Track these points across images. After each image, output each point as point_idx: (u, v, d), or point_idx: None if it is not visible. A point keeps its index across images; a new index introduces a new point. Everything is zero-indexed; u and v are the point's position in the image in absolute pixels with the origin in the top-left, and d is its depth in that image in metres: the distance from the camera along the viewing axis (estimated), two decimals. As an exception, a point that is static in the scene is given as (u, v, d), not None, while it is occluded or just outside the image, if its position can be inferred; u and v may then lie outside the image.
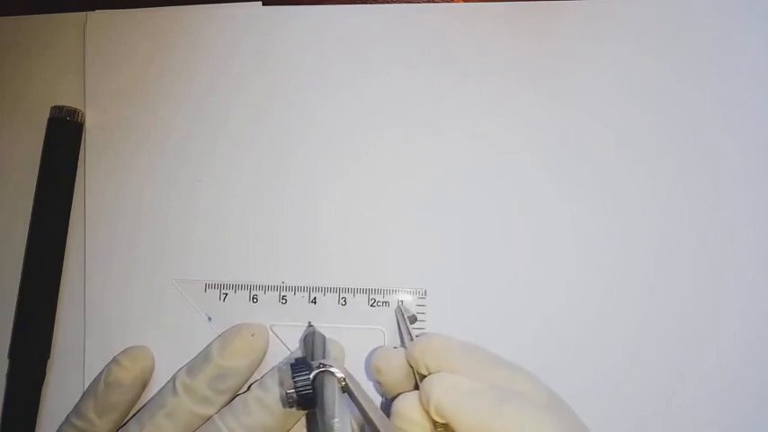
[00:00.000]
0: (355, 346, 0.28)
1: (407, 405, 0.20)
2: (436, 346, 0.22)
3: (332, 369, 0.20)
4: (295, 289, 0.29)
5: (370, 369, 0.25)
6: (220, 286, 0.29)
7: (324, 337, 0.26)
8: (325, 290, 0.29)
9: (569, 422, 0.19)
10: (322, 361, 0.20)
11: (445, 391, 0.19)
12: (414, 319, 0.28)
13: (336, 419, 0.18)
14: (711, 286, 0.28)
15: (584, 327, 0.28)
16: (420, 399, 0.20)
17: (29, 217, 0.30)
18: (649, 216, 0.29)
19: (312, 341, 0.26)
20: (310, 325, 0.28)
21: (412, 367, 0.23)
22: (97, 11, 0.33)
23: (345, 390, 0.20)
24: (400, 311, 0.28)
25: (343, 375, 0.20)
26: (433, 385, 0.20)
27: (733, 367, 0.27)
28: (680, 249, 0.28)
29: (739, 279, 0.28)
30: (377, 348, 0.27)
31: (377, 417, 0.19)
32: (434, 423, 0.20)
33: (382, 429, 0.19)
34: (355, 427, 0.19)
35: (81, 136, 0.31)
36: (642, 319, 0.28)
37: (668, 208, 0.29)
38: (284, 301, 0.29)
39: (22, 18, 0.33)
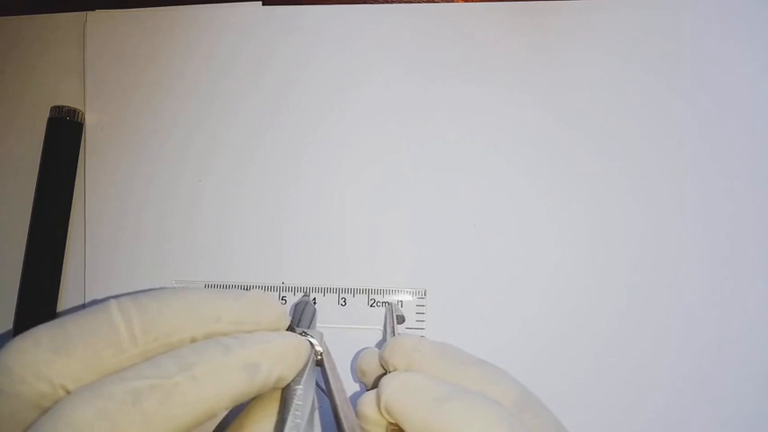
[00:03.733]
0: (355, 347, 0.28)
1: (365, 404, 0.20)
2: (405, 346, 0.21)
3: (312, 340, 0.20)
4: (295, 289, 0.29)
5: (356, 371, 0.25)
6: (220, 287, 0.29)
7: (314, 310, 0.26)
8: (325, 290, 0.29)
9: (534, 422, 0.18)
10: (305, 330, 0.20)
11: (393, 390, 0.19)
12: (401, 320, 0.28)
13: (301, 387, 0.18)
14: (692, 287, 0.28)
15: (584, 326, 0.28)
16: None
17: (29, 217, 0.30)
18: (649, 219, 0.29)
19: (302, 310, 0.25)
20: (306, 295, 0.28)
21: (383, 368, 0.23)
22: (97, 11, 0.33)
23: (319, 364, 0.20)
24: (390, 309, 0.28)
25: (321, 350, 0.20)
26: (383, 384, 0.19)
27: (712, 367, 0.27)
28: (668, 253, 0.28)
29: (719, 280, 0.28)
30: (361, 350, 0.27)
31: (340, 398, 0.19)
32: (389, 422, 0.19)
33: (341, 412, 0.18)
34: (315, 401, 0.18)
35: (81, 136, 0.31)
36: (646, 319, 0.28)
37: (660, 212, 0.29)
38: (284, 301, 0.29)
39: (23, 18, 0.33)
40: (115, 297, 0.16)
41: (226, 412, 0.17)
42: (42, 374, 0.14)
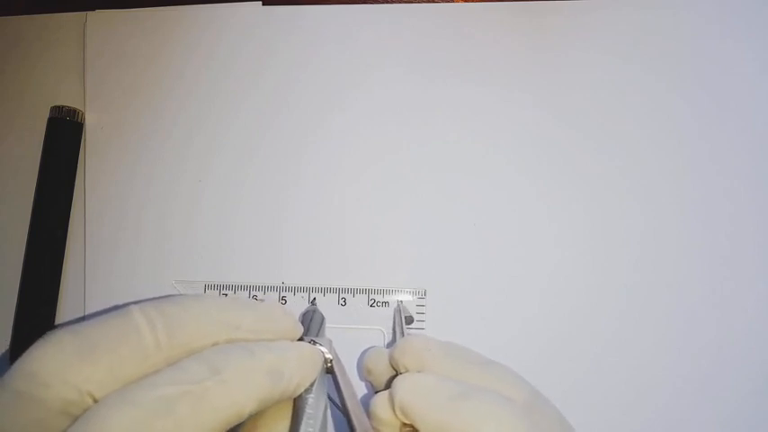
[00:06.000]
0: (355, 347, 0.28)
1: (378, 405, 0.20)
2: (415, 346, 0.21)
3: (321, 348, 0.20)
4: (295, 289, 0.29)
5: (362, 369, 0.25)
6: (220, 287, 0.29)
7: (323, 318, 0.26)
8: (325, 290, 0.29)
9: (542, 420, 0.18)
10: (313, 338, 0.20)
11: (407, 391, 0.19)
12: (410, 320, 0.28)
13: (312, 396, 0.18)
14: (692, 287, 0.28)
15: (584, 326, 0.28)
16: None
17: (29, 217, 0.30)
18: (649, 219, 0.29)
19: (311, 318, 0.26)
20: (313, 303, 0.28)
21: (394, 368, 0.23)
22: (97, 11, 0.33)
23: (330, 371, 0.20)
24: (398, 311, 0.28)
25: (330, 357, 0.20)
26: (397, 385, 0.19)
27: (712, 367, 0.27)
28: (668, 253, 0.28)
29: (719, 280, 0.28)
30: (368, 349, 0.27)
31: (353, 404, 0.19)
32: (403, 423, 0.20)
33: (354, 418, 0.18)
34: (328, 410, 0.19)
35: (81, 136, 0.31)
36: (646, 319, 0.28)
37: (660, 212, 0.29)
38: (284, 301, 0.29)
39: (23, 18, 0.33)
40: (135, 303, 0.16)
41: None
42: (68, 380, 0.14)
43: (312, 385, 0.18)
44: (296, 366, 0.17)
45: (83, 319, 0.30)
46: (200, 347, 0.16)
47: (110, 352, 0.15)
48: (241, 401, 0.15)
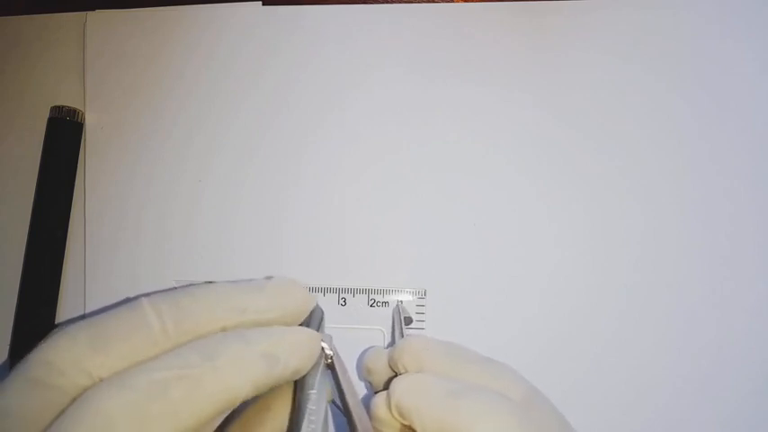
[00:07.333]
0: (355, 347, 0.28)
1: (378, 406, 0.20)
2: (414, 347, 0.21)
3: (323, 344, 0.20)
4: (295, 289, 0.29)
5: (362, 369, 0.25)
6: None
7: (322, 313, 0.26)
8: (325, 290, 0.29)
9: (540, 418, 0.19)
10: None
11: (403, 391, 0.19)
12: (409, 321, 0.28)
13: (314, 391, 0.18)
14: (692, 287, 0.28)
15: (584, 326, 0.28)
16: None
17: (29, 217, 0.30)
18: (649, 219, 0.29)
19: (310, 314, 0.26)
20: None
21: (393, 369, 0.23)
22: (97, 11, 0.33)
23: (330, 367, 0.20)
24: (398, 311, 0.28)
25: (331, 353, 0.20)
26: (394, 385, 0.20)
27: (712, 367, 0.27)
28: (668, 253, 0.28)
29: (719, 280, 0.28)
30: (368, 349, 0.27)
31: (353, 401, 0.19)
32: (403, 423, 0.20)
33: (354, 413, 0.18)
34: (328, 406, 0.19)
35: (81, 136, 0.31)
36: (646, 319, 0.28)
37: (660, 212, 0.29)
38: (284, 301, 0.29)
39: (23, 18, 0.33)
40: (145, 295, 0.17)
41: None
42: (83, 368, 0.15)
43: (314, 378, 0.18)
44: (292, 351, 0.17)
45: (83, 318, 0.30)
46: (207, 334, 0.17)
47: (120, 342, 0.15)
48: (236, 386, 0.16)
